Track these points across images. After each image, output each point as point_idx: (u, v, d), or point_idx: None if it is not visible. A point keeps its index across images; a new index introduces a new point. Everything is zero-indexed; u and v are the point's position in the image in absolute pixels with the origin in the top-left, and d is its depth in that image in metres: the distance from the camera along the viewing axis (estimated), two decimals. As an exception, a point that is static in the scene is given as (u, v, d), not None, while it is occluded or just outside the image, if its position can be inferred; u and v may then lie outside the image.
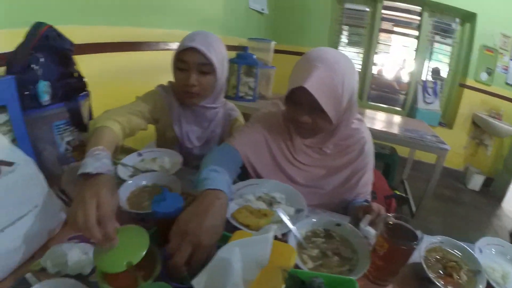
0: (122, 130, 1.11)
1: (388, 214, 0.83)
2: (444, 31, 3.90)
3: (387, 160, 2.82)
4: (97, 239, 0.65)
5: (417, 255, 0.79)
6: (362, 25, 4.12)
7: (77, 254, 0.77)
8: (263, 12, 3.61)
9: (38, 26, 1.11)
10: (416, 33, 3.96)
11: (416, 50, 4.01)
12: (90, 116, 1.24)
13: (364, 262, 0.78)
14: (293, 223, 0.88)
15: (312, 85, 0.88)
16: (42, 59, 1.09)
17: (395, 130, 2.59)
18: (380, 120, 2.95)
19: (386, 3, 3.92)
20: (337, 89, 0.92)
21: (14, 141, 0.95)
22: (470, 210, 3.32)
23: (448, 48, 3.95)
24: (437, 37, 3.94)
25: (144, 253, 0.67)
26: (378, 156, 3.13)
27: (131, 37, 1.86)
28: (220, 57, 1.22)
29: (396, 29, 4.10)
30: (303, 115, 0.98)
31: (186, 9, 2.33)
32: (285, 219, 0.89)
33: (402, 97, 4.31)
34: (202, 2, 2.54)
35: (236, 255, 0.56)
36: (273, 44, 3.12)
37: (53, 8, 1.38)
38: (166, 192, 0.81)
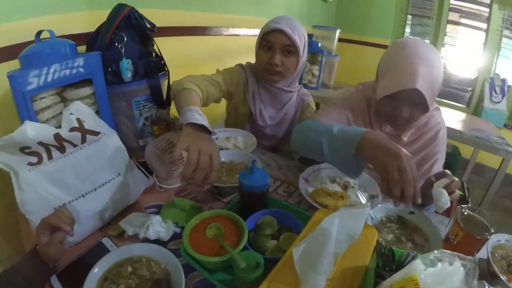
0: (202, 97, 1.13)
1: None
2: None
3: (449, 159, 2.55)
4: (200, 180, 0.74)
5: (482, 251, 0.75)
6: (429, 16, 3.73)
7: (157, 221, 0.77)
8: (327, 0, 3.44)
9: (120, 7, 1.12)
10: (484, 26, 3.49)
11: (484, 45, 3.50)
12: (169, 94, 1.23)
13: (436, 248, 0.73)
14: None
15: (422, 86, 0.84)
16: (125, 38, 1.09)
17: (460, 127, 2.33)
18: (444, 115, 2.68)
19: None
20: (435, 83, 0.90)
21: (97, 113, 0.97)
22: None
23: None
24: (507, 32, 3.44)
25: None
26: None
27: (203, 22, 1.85)
28: (302, 41, 1.21)
29: (463, 21, 3.65)
30: (403, 110, 0.93)
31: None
32: (364, 200, 0.89)
33: (467, 94, 3.86)
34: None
35: (335, 226, 0.53)
36: (338, 33, 2.94)
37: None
38: (255, 166, 0.78)
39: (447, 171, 0.84)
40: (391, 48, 0.99)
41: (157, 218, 0.78)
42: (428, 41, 3.68)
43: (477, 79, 3.63)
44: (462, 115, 2.88)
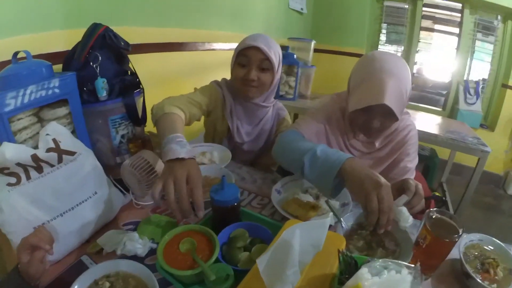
0: (184, 118, 1.16)
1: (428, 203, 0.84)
2: (486, 29, 3.54)
3: (427, 161, 2.66)
4: (187, 210, 0.76)
5: (456, 252, 0.78)
6: (402, 23, 3.89)
7: (134, 237, 0.80)
8: (302, 11, 3.54)
9: (95, 26, 1.15)
10: (457, 30, 3.67)
11: (457, 49, 3.68)
12: (144, 112, 1.27)
13: (407, 255, 0.78)
14: (339, 216, 0.90)
15: (390, 100, 0.90)
16: (100, 57, 1.13)
17: (436, 131, 2.43)
18: (420, 120, 2.77)
19: (426, 0, 3.66)
20: (403, 95, 0.96)
21: (73, 132, 0.99)
22: (510, 217, 3.06)
23: (491, 47, 3.58)
24: (479, 35, 3.62)
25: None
26: (418, 157, 2.98)
27: (178, 38, 1.90)
28: (277, 58, 1.27)
29: (436, 26, 3.81)
30: (374, 122, 1.00)
31: (229, 11, 2.33)
32: (334, 210, 0.91)
33: (443, 97, 4.03)
34: (244, 3, 2.52)
35: (296, 237, 0.56)
36: (313, 44, 3.05)
37: (108, 10, 1.44)
38: (225, 182, 0.82)
39: (410, 180, 0.86)
40: (360, 62, 1.05)
41: (134, 235, 0.81)
42: (402, 49, 3.86)
43: (452, 83, 3.80)
44: (438, 119, 3.00)
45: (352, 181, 0.82)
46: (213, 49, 2.22)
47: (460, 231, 0.73)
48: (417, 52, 3.87)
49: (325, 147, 0.95)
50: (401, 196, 0.82)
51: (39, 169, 0.77)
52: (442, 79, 3.93)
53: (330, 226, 0.86)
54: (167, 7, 1.77)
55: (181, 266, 0.69)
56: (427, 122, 2.76)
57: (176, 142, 0.87)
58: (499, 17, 3.46)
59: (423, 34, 3.84)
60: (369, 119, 1.00)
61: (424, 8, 3.69)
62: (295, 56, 2.70)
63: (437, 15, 3.75)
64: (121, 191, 0.99)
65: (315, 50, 3.21)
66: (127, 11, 1.54)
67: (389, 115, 0.95)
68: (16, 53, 0.91)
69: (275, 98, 1.44)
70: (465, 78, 3.72)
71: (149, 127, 1.26)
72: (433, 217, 0.77)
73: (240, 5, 2.43)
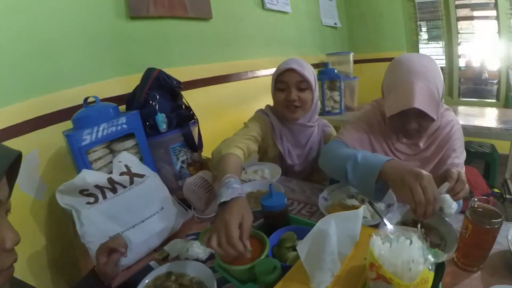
0: (243, 154, 1.21)
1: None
2: None
3: (487, 158, 2.43)
4: (239, 252, 0.72)
5: (505, 242, 0.75)
6: (438, 17, 3.69)
7: (196, 244, 0.86)
8: (336, 26, 3.59)
9: (150, 71, 1.34)
10: (494, 13, 3.30)
11: (499, 32, 3.32)
12: (200, 139, 1.40)
13: (451, 248, 0.75)
14: (382, 215, 0.89)
15: (420, 102, 0.90)
16: (157, 96, 1.28)
17: (490, 123, 2.23)
18: (473, 115, 2.58)
19: None
20: (435, 95, 0.95)
21: (141, 160, 1.12)
22: None
23: None
24: None
25: None
26: (477, 155, 2.77)
27: (222, 71, 2.06)
28: (312, 75, 1.32)
29: (475, 13, 3.52)
30: (411, 124, 1.00)
31: (263, 38, 2.46)
32: (377, 210, 0.91)
33: (495, 87, 3.67)
34: (279, 29, 2.65)
35: (332, 227, 0.59)
36: (351, 56, 3.05)
37: (156, 57, 1.64)
38: (272, 190, 0.89)
39: (452, 169, 0.84)
40: (389, 67, 1.06)
41: (196, 242, 0.87)
42: (441, 45, 3.65)
43: (500, 70, 3.47)
44: (492, 110, 2.77)
45: (394, 180, 0.83)
46: (256, 76, 2.34)
47: (502, 216, 0.70)
48: (459, 44, 3.63)
49: (366, 153, 0.97)
50: (443, 184, 0.81)
51: (113, 190, 0.91)
52: (491, 67, 3.59)
53: (376, 225, 0.88)
54: (206, 46, 1.94)
55: (236, 263, 0.74)
56: (481, 116, 2.56)
57: (224, 185, 0.87)
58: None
59: (463, 24, 3.60)
60: (405, 122, 1.00)
61: None
62: (335, 70, 2.73)
63: (473, 1, 3.52)
64: (184, 208, 1.08)
65: (356, 61, 3.21)
66: (172, 54, 1.73)
67: (424, 116, 0.94)
68: (86, 98, 1.10)
69: (321, 114, 1.47)
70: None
71: (205, 152, 1.37)
72: (475, 206, 0.74)
73: (273, 32, 2.56)
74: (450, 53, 3.67)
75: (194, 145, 1.36)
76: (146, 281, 0.75)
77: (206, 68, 1.93)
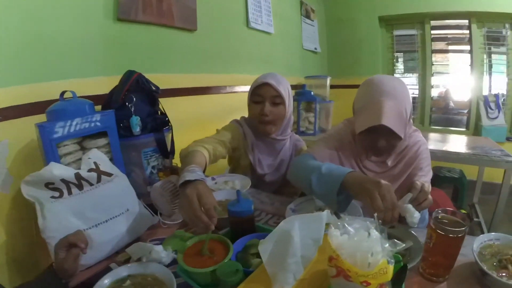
0: (209, 155, 1.24)
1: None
2: (496, 40, 3.47)
3: (455, 183, 2.57)
4: (204, 223, 0.80)
5: (471, 254, 0.77)
6: (414, 50, 3.89)
7: (160, 248, 0.86)
8: (316, 51, 3.73)
9: (130, 73, 1.33)
10: (468, 47, 3.60)
11: (471, 65, 3.60)
12: (172, 146, 1.40)
13: (416, 258, 0.79)
14: None
15: (388, 120, 0.95)
16: (134, 99, 1.28)
17: (459, 149, 2.36)
18: (443, 141, 2.72)
19: (433, 22, 3.67)
20: (403, 114, 1.00)
21: (111, 160, 1.10)
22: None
23: (504, 57, 3.48)
24: (492, 48, 3.50)
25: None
26: (446, 179, 2.89)
27: (203, 83, 2.08)
28: (287, 91, 1.38)
29: (450, 47, 3.78)
30: (379, 141, 1.04)
31: (249, 56, 2.53)
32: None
33: (465, 116, 3.87)
34: (262, 48, 2.73)
35: (296, 228, 0.60)
36: (329, 80, 3.18)
37: (140, 60, 1.64)
38: (240, 195, 0.91)
39: (416, 182, 0.89)
40: (361, 87, 1.11)
41: (159, 246, 0.87)
42: (416, 76, 3.84)
43: (471, 100, 3.70)
44: (462, 138, 2.91)
45: (355, 189, 0.88)
46: (235, 92, 2.38)
47: (465, 225, 0.73)
48: (432, 75, 3.84)
49: (331, 165, 1.02)
50: (407, 194, 0.85)
51: (79, 187, 0.89)
52: (462, 98, 3.85)
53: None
54: (189, 57, 1.96)
55: (199, 266, 0.74)
56: (451, 142, 2.70)
57: (187, 171, 0.93)
58: (506, 25, 3.41)
59: (438, 57, 3.82)
60: (374, 139, 1.05)
61: (433, 31, 3.71)
62: (312, 93, 2.81)
63: (447, 36, 3.74)
64: (150, 212, 1.07)
65: (334, 86, 3.33)
66: (156, 61, 1.74)
67: (392, 134, 0.99)
68: (63, 92, 1.08)
69: (296, 134, 1.53)
70: (484, 93, 3.61)
71: (177, 159, 1.38)
72: (438, 216, 0.78)
73: (255, 50, 2.62)
74: (424, 83, 3.88)
75: (166, 151, 1.35)
76: (105, 281, 0.73)
77: (187, 78, 1.94)
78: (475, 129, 3.69)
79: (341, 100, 3.52)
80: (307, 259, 0.61)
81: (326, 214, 0.62)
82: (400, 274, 0.54)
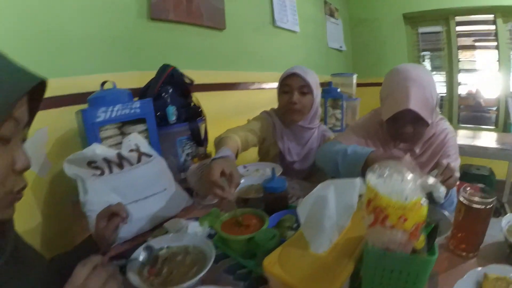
0: (241, 142, 1.27)
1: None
2: None
3: (485, 181, 2.44)
4: (221, 191, 0.83)
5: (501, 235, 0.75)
6: (440, 47, 3.73)
7: (196, 224, 0.87)
8: (341, 49, 3.67)
9: (165, 66, 1.37)
10: (495, 43, 3.39)
11: (499, 61, 3.40)
12: (206, 135, 1.42)
13: (445, 231, 0.77)
14: None
15: (415, 105, 0.95)
16: (170, 89, 1.31)
17: (487, 145, 2.24)
18: (472, 137, 2.59)
19: (458, 18, 3.50)
20: (429, 100, 0.99)
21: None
22: None
23: None
24: None
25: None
26: (475, 177, 2.74)
27: (231, 79, 2.11)
28: (314, 82, 1.40)
29: (477, 43, 3.58)
30: (406, 127, 1.03)
31: (274, 54, 2.54)
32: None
33: (494, 114, 3.65)
34: (287, 47, 2.73)
35: (331, 192, 0.59)
36: (355, 77, 3.12)
37: (171, 56, 1.68)
38: (274, 174, 0.93)
39: (443, 160, 0.87)
40: (387, 75, 1.11)
41: (195, 222, 0.89)
42: (443, 74, 3.70)
43: (500, 98, 3.52)
44: (491, 135, 2.78)
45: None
46: (262, 88, 2.39)
47: (492, 198, 0.72)
48: (459, 72, 3.69)
49: (355, 146, 1.04)
50: (432, 171, 0.84)
51: (120, 166, 0.92)
52: (491, 95, 3.64)
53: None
54: (217, 54, 1.99)
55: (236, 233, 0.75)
56: (479, 138, 2.57)
57: (217, 153, 0.99)
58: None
59: (464, 54, 3.66)
60: (401, 126, 1.03)
61: (458, 27, 3.55)
62: (338, 90, 2.77)
63: (472, 32, 3.57)
64: (186, 194, 1.09)
65: (359, 85, 3.26)
66: (186, 58, 1.78)
67: (419, 120, 0.98)
68: (103, 82, 1.13)
69: None
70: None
71: (210, 148, 1.39)
72: (467, 190, 0.76)
73: (281, 48, 2.62)
74: (451, 81, 3.72)
75: (200, 140, 1.37)
76: (141, 251, 0.72)
77: (215, 74, 1.97)
78: (504, 127, 3.49)
79: (367, 98, 3.45)
80: (341, 226, 0.60)
81: (359, 180, 0.60)
82: (432, 233, 0.52)
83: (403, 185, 0.49)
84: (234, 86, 2.14)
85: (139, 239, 0.89)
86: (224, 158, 0.94)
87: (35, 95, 0.46)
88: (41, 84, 0.44)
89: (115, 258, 0.79)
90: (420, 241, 0.49)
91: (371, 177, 0.52)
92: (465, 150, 2.11)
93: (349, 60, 3.97)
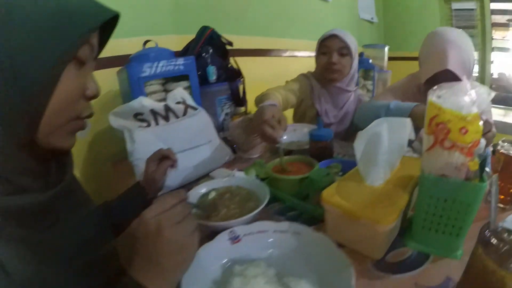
0: (282, 100, 1.25)
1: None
2: None
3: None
4: (268, 133, 0.81)
5: None
6: (473, 25, 3.53)
7: (241, 174, 0.88)
8: (373, 21, 3.50)
9: (205, 28, 1.34)
10: None
11: None
12: (244, 95, 1.41)
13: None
14: None
15: (453, 65, 0.95)
16: (210, 50, 1.30)
17: None
18: (503, 115, 2.46)
19: None
20: (466, 62, 1.00)
21: (192, 102, 1.12)
22: None
23: None
24: None
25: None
26: None
27: (264, 45, 2.06)
28: (353, 44, 1.35)
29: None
30: None
31: (306, 22, 2.45)
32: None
33: None
34: (319, 15, 2.62)
35: (384, 129, 0.59)
36: (386, 49, 2.97)
37: (208, 22, 1.62)
38: (320, 123, 0.92)
39: (482, 116, 0.85)
40: (426, 39, 1.11)
41: (240, 172, 0.89)
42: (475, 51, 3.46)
43: None
44: None
45: (422, 117, 0.85)
46: (294, 56, 2.32)
47: None
48: (492, 50, 3.44)
49: (397, 102, 1.04)
50: None
51: (166, 118, 0.91)
52: None
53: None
54: (251, 19, 1.95)
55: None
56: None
57: (267, 102, 0.99)
58: None
59: (497, 33, 3.42)
60: None
61: (492, 5, 3.27)
62: (370, 61, 2.66)
63: (507, 9, 3.29)
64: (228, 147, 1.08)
65: (391, 58, 3.11)
66: (220, 22, 1.70)
67: (456, 82, 0.95)
68: (145, 42, 1.12)
69: None
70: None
71: (249, 109, 1.38)
72: (505, 142, 0.74)
73: (313, 17, 2.53)
74: (483, 60, 3.50)
75: (239, 99, 1.36)
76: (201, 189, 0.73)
77: (249, 40, 1.93)
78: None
79: (398, 72, 3.29)
80: (392, 163, 0.62)
81: (409, 120, 0.60)
82: (481, 164, 0.50)
83: (463, 101, 0.49)
84: (268, 52, 2.09)
85: (184, 188, 0.89)
86: (272, 105, 0.93)
87: (104, 30, 0.46)
88: (113, 20, 0.44)
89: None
90: (475, 163, 0.48)
91: (433, 97, 0.51)
92: (496, 126, 2.01)
93: (381, 32, 3.77)
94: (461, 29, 1.08)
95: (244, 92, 1.39)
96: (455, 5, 3.53)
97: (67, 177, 0.45)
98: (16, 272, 0.34)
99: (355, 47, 1.36)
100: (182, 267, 0.39)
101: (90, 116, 0.45)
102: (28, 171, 0.38)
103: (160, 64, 1.02)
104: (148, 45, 1.13)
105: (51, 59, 0.34)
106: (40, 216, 0.39)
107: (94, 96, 0.44)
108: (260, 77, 1.99)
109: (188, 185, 0.91)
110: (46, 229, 0.40)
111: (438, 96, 0.51)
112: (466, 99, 0.49)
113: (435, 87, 0.53)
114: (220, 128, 1.33)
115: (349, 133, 1.50)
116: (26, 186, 0.37)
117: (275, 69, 2.14)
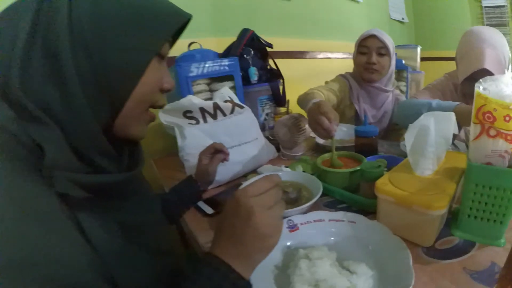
0: (325, 99, 1.23)
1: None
2: None
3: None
4: (326, 125, 0.81)
5: None
6: (504, 23, 3.32)
7: (288, 170, 0.86)
8: (403, 21, 3.39)
9: (245, 31, 1.34)
10: None
11: None
12: (284, 95, 1.39)
13: None
14: None
15: (489, 64, 0.95)
16: (252, 51, 1.29)
17: None
18: None
19: None
20: (502, 60, 1.00)
21: (237, 101, 1.11)
22: None
23: None
24: None
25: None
26: None
27: (299, 47, 2.04)
28: (391, 44, 1.33)
29: None
30: None
31: (339, 23, 2.39)
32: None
33: None
34: (350, 16, 2.56)
35: (432, 123, 0.61)
36: (419, 49, 2.85)
37: (245, 25, 1.63)
38: (366, 119, 0.92)
39: None
40: (461, 39, 1.10)
41: (287, 169, 0.87)
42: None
43: None
44: None
45: (464, 118, 0.83)
46: (328, 58, 2.27)
47: None
48: None
49: (439, 101, 1.02)
50: None
51: (214, 116, 0.91)
52: None
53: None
54: (286, 22, 1.94)
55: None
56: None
57: (307, 101, 0.99)
58: None
59: None
60: None
61: None
62: (403, 61, 2.57)
63: None
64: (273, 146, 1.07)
65: (423, 59, 2.99)
66: (257, 25, 1.71)
67: None
68: (190, 43, 1.14)
69: None
70: None
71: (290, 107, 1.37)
72: None
73: (344, 18, 2.48)
74: None
75: (280, 99, 1.35)
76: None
77: (284, 42, 1.91)
78: None
79: (431, 73, 3.17)
80: (439, 155, 0.63)
81: (453, 115, 0.61)
82: None
83: (507, 91, 0.52)
84: (303, 54, 2.06)
85: (232, 183, 0.90)
86: (322, 101, 0.91)
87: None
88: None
89: (210, 201, 0.79)
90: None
91: (479, 88, 0.54)
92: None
93: (412, 32, 3.64)
94: (494, 28, 1.07)
95: (284, 92, 1.38)
96: (485, 2, 3.36)
97: (140, 165, 0.47)
98: (100, 241, 0.34)
99: (392, 47, 1.33)
100: (265, 251, 0.38)
101: (162, 106, 0.46)
102: (108, 154, 0.38)
103: (207, 65, 1.02)
104: (193, 46, 1.14)
105: (141, 53, 0.37)
106: (115, 195, 0.40)
107: (169, 90, 0.45)
108: (296, 79, 1.97)
109: (236, 180, 0.91)
110: (118, 209, 0.41)
111: (484, 88, 0.54)
112: (509, 89, 0.52)
113: (480, 80, 0.55)
114: (262, 128, 1.31)
115: (387, 133, 1.48)
116: (104, 167, 0.38)
117: (311, 71, 2.12)
